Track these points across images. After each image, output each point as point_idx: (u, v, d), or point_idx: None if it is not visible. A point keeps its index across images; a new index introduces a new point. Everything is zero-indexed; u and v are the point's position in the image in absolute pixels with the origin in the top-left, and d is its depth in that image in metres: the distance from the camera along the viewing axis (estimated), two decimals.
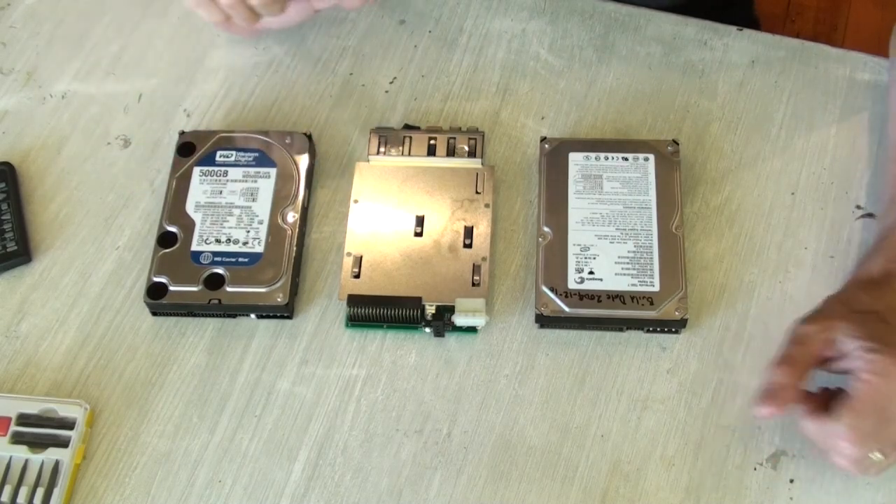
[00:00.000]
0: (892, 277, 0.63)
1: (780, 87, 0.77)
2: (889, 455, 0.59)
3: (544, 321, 0.68)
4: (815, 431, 0.61)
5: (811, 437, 0.61)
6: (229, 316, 0.70)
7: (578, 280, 0.68)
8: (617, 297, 0.67)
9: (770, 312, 0.69)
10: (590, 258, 0.69)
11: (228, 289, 0.68)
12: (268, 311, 0.69)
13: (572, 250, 0.69)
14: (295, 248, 0.70)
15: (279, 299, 0.68)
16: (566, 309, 0.67)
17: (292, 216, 0.71)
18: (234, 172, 0.73)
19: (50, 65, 0.81)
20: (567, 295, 0.67)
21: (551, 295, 0.67)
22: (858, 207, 0.72)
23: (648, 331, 0.68)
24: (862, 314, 0.61)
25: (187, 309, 0.69)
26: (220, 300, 0.68)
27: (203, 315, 0.70)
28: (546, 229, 0.70)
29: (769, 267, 0.70)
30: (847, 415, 0.59)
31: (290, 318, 0.70)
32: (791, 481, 0.64)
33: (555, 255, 0.69)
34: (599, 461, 0.65)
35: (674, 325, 0.67)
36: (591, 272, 0.68)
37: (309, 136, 0.74)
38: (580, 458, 0.65)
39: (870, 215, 0.72)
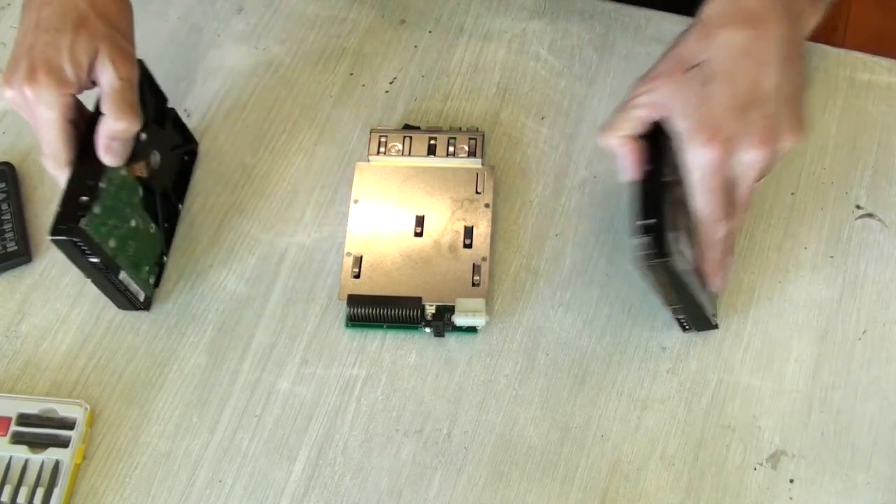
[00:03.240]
0: (727, 17, 0.60)
1: None
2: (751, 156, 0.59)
3: None
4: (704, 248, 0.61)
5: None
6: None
7: None
8: None
9: (770, 312, 0.69)
10: None
11: None
12: None
13: None
14: None
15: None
16: None
17: None
18: None
19: None
20: None
21: None
22: (858, 207, 0.72)
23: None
24: (686, 72, 0.60)
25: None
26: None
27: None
28: None
29: (769, 267, 0.70)
30: (697, 214, 0.60)
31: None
32: (791, 481, 0.64)
33: None
34: (599, 461, 0.65)
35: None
36: None
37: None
38: (580, 458, 0.65)
39: (870, 215, 0.72)
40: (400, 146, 0.74)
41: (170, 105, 0.72)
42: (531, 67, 0.79)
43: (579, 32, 0.81)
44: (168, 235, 0.72)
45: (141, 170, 0.67)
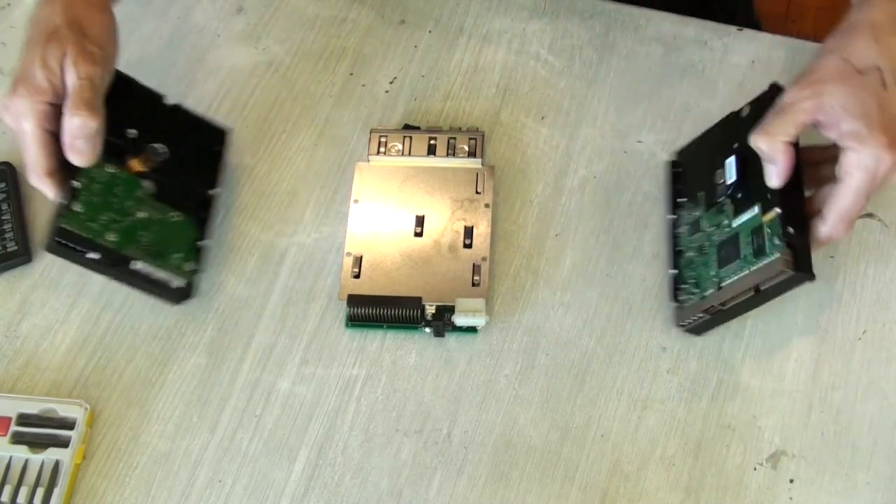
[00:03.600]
0: None
1: None
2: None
3: None
4: (819, 241, 0.62)
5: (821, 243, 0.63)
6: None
7: None
8: None
9: (770, 312, 0.69)
10: None
11: None
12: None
13: None
14: None
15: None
16: None
17: None
18: None
19: None
20: None
21: None
22: None
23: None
24: (860, 76, 0.59)
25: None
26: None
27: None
28: None
29: None
30: (832, 215, 0.60)
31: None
32: (791, 481, 0.64)
33: None
34: (599, 461, 0.65)
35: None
36: None
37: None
38: (580, 458, 0.65)
39: (870, 215, 0.72)
40: (400, 146, 0.74)
41: (173, 102, 0.73)
42: (531, 67, 0.79)
43: (579, 32, 0.81)
44: (204, 221, 0.71)
45: (140, 164, 0.68)
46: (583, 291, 0.70)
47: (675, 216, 0.71)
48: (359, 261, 0.70)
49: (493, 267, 0.71)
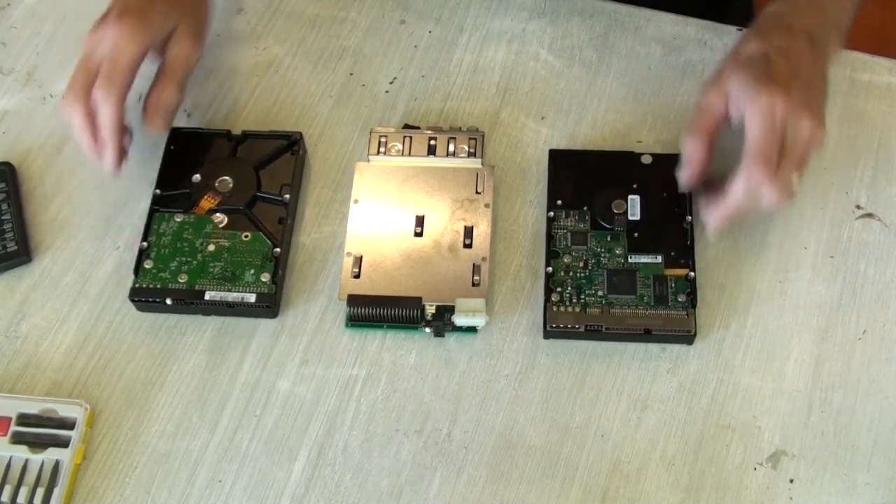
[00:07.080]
0: (780, 19, 0.68)
1: None
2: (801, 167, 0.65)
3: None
4: (737, 199, 0.65)
5: (739, 205, 0.65)
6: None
7: None
8: None
9: (770, 312, 0.69)
10: None
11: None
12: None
13: None
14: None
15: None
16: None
17: None
18: None
19: (50, 65, 0.81)
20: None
21: None
22: (858, 207, 0.72)
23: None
24: (750, 59, 0.66)
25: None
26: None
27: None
28: None
29: (769, 267, 0.70)
30: (749, 160, 0.64)
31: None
32: (791, 481, 0.64)
33: None
34: (599, 461, 0.65)
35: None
36: None
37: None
38: (580, 458, 0.65)
39: (870, 215, 0.72)
40: (400, 146, 0.74)
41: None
42: (531, 67, 0.79)
43: (579, 32, 0.81)
44: (283, 227, 0.71)
45: (209, 202, 0.72)
46: None
47: (551, 214, 0.71)
48: (359, 261, 0.70)
49: (493, 267, 0.71)
